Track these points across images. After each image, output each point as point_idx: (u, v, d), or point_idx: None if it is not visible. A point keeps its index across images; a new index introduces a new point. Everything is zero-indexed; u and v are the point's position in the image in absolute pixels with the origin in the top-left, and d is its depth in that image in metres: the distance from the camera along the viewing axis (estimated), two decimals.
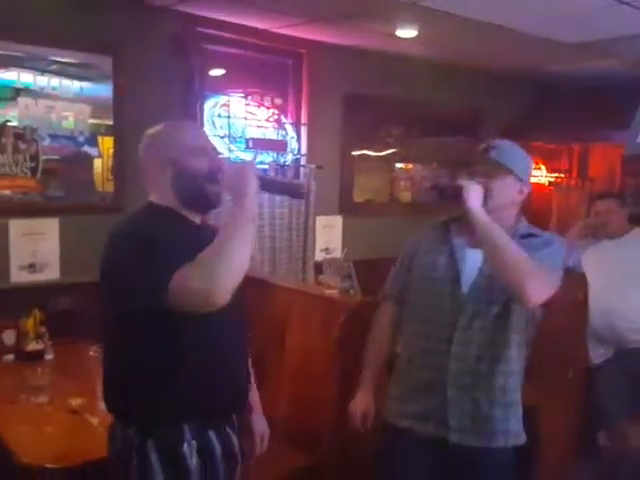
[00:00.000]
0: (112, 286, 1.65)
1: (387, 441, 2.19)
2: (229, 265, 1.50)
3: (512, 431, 2.07)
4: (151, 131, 1.81)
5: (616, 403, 3.45)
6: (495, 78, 5.15)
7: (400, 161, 5.01)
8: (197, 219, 1.80)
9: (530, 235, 2.08)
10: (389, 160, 4.93)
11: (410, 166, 5.09)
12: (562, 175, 6.03)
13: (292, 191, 1.88)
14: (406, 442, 2.12)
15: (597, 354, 3.50)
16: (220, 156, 1.89)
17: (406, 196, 5.07)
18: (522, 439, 2.10)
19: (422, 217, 4.78)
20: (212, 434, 1.74)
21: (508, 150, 2.08)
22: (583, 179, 6.00)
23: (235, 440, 1.84)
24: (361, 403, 2.25)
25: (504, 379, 2.05)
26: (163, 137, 1.78)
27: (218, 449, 1.75)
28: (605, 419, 3.58)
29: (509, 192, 2.07)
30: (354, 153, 4.65)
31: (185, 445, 1.69)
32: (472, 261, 2.05)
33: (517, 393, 2.10)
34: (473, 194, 1.95)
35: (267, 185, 1.73)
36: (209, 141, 1.87)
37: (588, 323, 3.39)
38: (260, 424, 2.05)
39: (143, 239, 1.59)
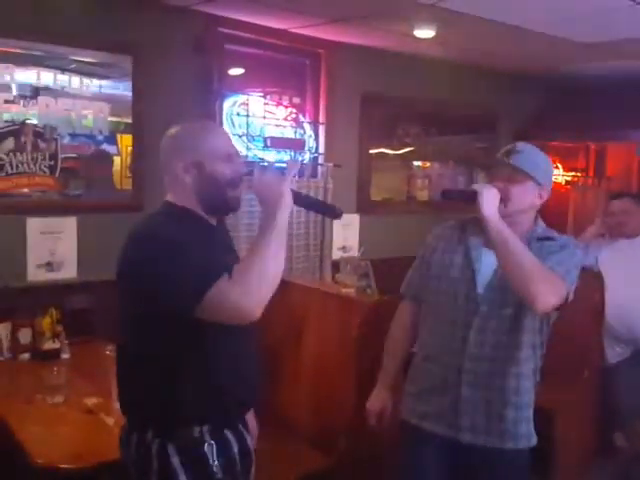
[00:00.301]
0: (140, 288, 1.60)
1: (403, 438, 2.20)
2: (264, 280, 1.52)
3: (522, 433, 2.06)
4: (175, 131, 1.76)
5: (632, 403, 3.41)
6: (511, 78, 5.12)
7: (417, 159, 4.98)
8: (214, 220, 1.78)
9: (547, 238, 2.06)
10: (406, 158, 4.91)
11: (427, 164, 5.06)
12: (579, 174, 5.99)
13: (329, 211, 1.87)
14: (420, 439, 2.13)
15: (614, 353, 3.47)
16: (252, 162, 1.86)
17: (423, 195, 5.05)
18: (533, 441, 2.10)
19: (440, 215, 4.77)
20: (229, 433, 1.73)
21: (529, 154, 2.05)
22: (600, 178, 5.96)
23: (249, 438, 1.83)
24: (378, 400, 2.27)
25: (516, 380, 2.05)
26: (189, 139, 1.73)
27: (235, 448, 1.74)
28: (621, 419, 3.56)
29: (528, 197, 2.05)
30: (371, 152, 4.63)
31: (206, 445, 1.67)
32: (487, 262, 2.03)
33: (529, 395, 2.09)
34: (488, 199, 1.92)
35: (303, 202, 1.74)
36: (234, 145, 1.84)
37: (605, 322, 3.37)
38: (250, 421, 2.02)
39: (173, 242, 1.56)
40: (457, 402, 2.04)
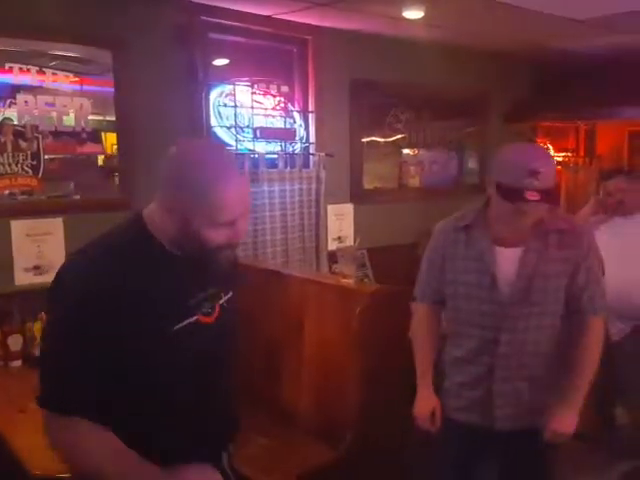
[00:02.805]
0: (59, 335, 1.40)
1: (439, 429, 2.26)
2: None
3: (548, 410, 2.13)
4: (194, 159, 1.39)
5: (635, 380, 3.41)
6: (502, 59, 5.09)
7: (409, 147, 4.91)
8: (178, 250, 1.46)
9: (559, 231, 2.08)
10: (397, 146, 4.84)
11: (418, 151, 4.99)
12: (570, 154, 6.03)
13: None
14: (455, 429, 2.21)
15: (616, 329, 3.44)
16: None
17: (415, 181, 4.99)
18: None
19: (432, 202, 4.77)
20: None
21: (551, 170, 1.97)
22: (591, 157, 6.04)
23: (225, 461, 1.64)
24: (427, 402, 2.26)
25: (544, 369, 2.12)
26: (196, 184, 1.35)
27: None
28: (624, 396, 3.57)
29: None
30: (363, 140, 4.56)
31: None
32: (504, 262, 2.05)
33: (555, 376, 2.14)
34: None
35: None
36: (245, 203, 1.46)
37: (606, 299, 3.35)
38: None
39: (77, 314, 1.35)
40: (488, 395, 2.11)
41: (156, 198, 1.45)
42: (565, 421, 2.07)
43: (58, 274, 1.42)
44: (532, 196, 1.88)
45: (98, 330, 1.34)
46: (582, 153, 6.13)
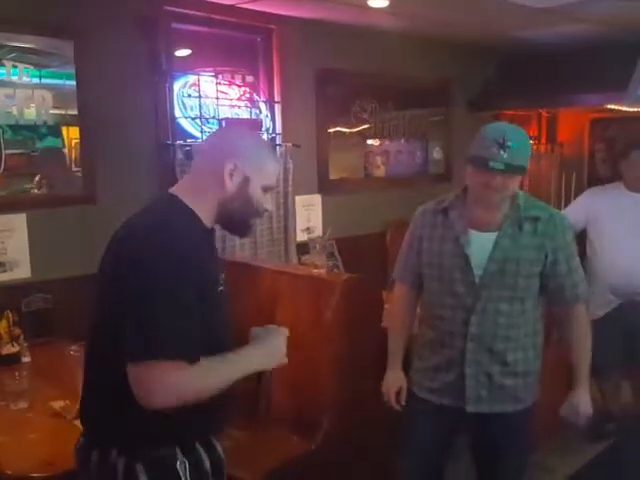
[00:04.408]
0: (118, 295, 1.49)
1: (411, 407, 2.33)
2: (192, 396, 1.47)
3: (521, 397, 2.20)
4: (244, 133, 1.76)
5: (608, 358, 3.41)
6: (464, 48, 5.11)
7: (374, 136, 4.91)
8: (210, 223, 1.67)
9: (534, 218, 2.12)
10: (363, 135, 4.83)
11: (383, 141, 4.99)
12: (532, 142, 6.07)
13: None
14: (428, 409, 2.26)
15: (604, 301, 3.45)
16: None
17: (380, 171, 4.99)
18: (530, 402, 2.23)
19: (397, 192, 4.79)
20: (200, 447, 1.63)
21: (521, 147, 2.01)
22: (552, 145, 6.07)
23: (220, 449, 1.72)
24: (394, 380, 2.36)
25: (516, 354, 2.15)
26: (253, 151, 1.67)
27: (207, 462, 1.63)
28: (597, 373, 3.60)
29: (518, 184, 2.08)
30: (329, 130, 4.54)
31: (178, 463, 1.56)
32: (478, 245, 2.10)
33: (530, 364, 2.20)
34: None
35: None
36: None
37: (594, 272, 3.38)
38: None
39: (173, 277, 1.46)
40: (461, 378, 2.16)
41: (195, 175, 1.69)
42: (583, 405, 2.20)
43: (140, 241, 1.52)
44: (496, 166, 1.95)
45: (186, 289, 1.47)
46: (544, 140, 6.20)
